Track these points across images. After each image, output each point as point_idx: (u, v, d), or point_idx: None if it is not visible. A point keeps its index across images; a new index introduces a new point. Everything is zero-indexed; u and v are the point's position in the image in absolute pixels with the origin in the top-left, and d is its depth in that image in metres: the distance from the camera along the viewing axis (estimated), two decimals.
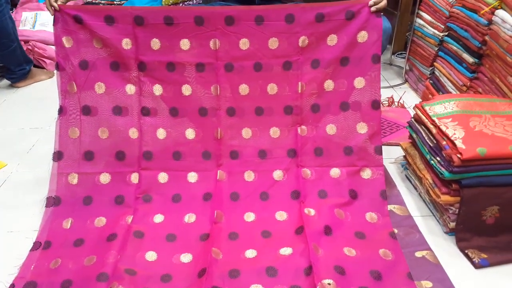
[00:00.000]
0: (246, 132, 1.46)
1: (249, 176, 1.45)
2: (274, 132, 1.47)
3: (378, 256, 1.20)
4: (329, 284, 1.07)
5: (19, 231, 1.32)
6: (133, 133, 1.43)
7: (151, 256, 1.21)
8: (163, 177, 1.43)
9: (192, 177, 1.44)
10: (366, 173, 1.42)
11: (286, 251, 1.22)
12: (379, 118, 1.43)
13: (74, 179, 1.39)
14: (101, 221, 1.33)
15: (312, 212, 1.35)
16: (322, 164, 1.44)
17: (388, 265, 1.17)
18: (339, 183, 1.42)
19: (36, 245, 1.24)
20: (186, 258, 1.21)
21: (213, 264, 1.15)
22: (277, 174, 1.45)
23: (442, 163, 1.27)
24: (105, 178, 1.41)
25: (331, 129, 1.45)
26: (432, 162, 1.32)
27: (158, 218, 1.35)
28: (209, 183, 1.42)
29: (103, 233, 1.28)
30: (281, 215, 1.36)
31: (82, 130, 1.41)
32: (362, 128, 1.43)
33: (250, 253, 1.22)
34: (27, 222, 1.36)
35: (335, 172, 1.43)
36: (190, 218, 1.35)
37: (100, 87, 1.41)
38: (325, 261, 1.16)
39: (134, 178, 1.41)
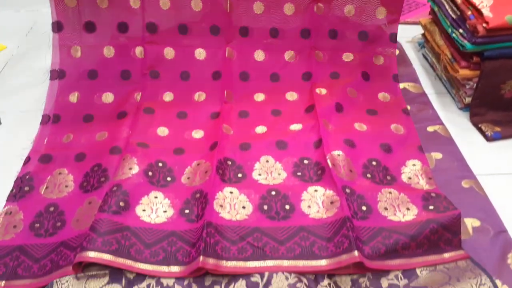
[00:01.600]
0: (258, 7, 1.36)
1: (259, 55, 1.39)
2: (289, 8, 1.35)
3: (389, 130, 1.19)
4: (338, 155, 1.08)
5: (27, 110, 1.32)
6: (135, 2, 1.32)
7: (162, 131, 1.21)
8: (169, 52, 1.36)
9: (200, 54, 1.37)
10: (379, 60, 1.36)
11: (296, 127, 1.21)
12: (402, 1, 1.32)
13: (77, 52, 1.33)
14: (108, 96, 1.30)
15: (324, 91, 1.32)
16: (335, 47, 1.37)
17: (399, 139, 1.17)
18: (352, 67, 1.37)
19: (45, 119, 1.23)
20: (197, 134, 1.21)
21: (224, 139, 1.15)
22: (289, 55, 1.38)
23: (465, 35, 1.19)
24: (109, 51, 1.34)
25: (349, 11, 1.34)
26: (453, 35, 1.24)
27: (168, 97, 1.32)
28: (218, 61, 1.36)
29: (113, 111, 1.26)
30: (291, 95, 1.33)
31: None
32: (381, 13, 1.33)
33: (260, 129, 1.22)
34: (35, 99, 1.34)
35: (348, 56, 1.37)
36: (200, 96, 1.33)
37: None
38: (335, 135, 1.15)
39: (139, 52, 1.35)
